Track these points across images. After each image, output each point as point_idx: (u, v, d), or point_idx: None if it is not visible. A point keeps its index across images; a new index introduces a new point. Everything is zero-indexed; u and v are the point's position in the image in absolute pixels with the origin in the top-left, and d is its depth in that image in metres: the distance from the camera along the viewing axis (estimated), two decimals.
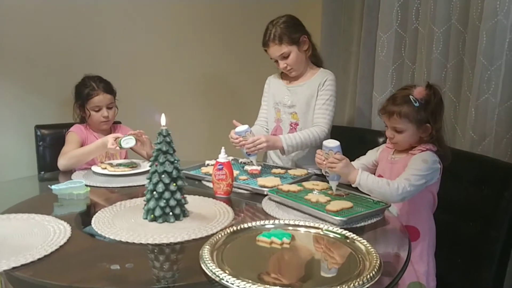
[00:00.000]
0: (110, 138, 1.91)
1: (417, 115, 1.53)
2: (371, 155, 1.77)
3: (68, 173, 1.91)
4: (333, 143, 1.52)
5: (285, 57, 2.00)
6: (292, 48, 1.99)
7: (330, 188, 1.58)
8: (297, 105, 2.07)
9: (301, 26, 2.05)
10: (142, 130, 2.02)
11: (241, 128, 1.85)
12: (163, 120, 1.36)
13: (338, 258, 1.15)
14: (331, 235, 1.23)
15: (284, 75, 2.13)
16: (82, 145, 2.08)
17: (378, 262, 1.05)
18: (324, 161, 1.54)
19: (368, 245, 1.14)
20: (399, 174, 1.53)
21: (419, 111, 1.53)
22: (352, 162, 1.65)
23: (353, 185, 1.52)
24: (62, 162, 1.96)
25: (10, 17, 2.25)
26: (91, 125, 2.16)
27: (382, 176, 1.63)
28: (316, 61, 2.13)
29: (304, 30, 2.05)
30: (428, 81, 1.63)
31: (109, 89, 2.15)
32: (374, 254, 1.09)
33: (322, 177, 1.82)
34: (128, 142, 1.90)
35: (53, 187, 1.58)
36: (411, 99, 1.53)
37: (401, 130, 1.57)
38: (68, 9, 2.40)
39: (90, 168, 1.93)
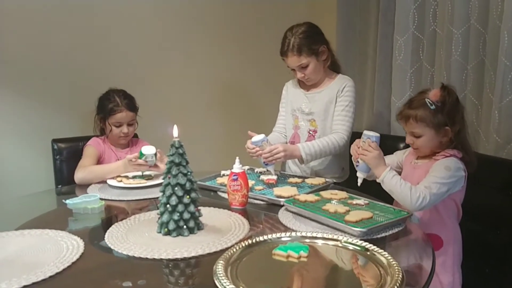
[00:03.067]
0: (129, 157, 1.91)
1: (434, 118, 1.49)
2: (398, 156, 1.73)
3: (84, 187, 1.90)
4: (373, 133, 1.51)
5: (303, 67, 1.95)
6: (311, 59, 1.93)
7: (350, 198, 1.53)
8: (315, 112, 2.03)
9: (321, 36, 1.99)
10: (159, 143, 2.00)
11: (258, 137, 1.81)
12: (175, 131, 1.34)
13: (357, 271, 1.10)
14: (351, 247, 1.19)
15: (301, 82, 2.09)
16: (99, 159, 2.09)
17: (400, 276, 1.00)
18: (359, 148, 1.51)
19: (389, 257, 1.09)
20: (420, 180, 1.48)
21: (435, 114, 1.48)
22: None
23: (377, 180, 1.48)
24: (80, 175, 1.95)
25: (26, 33, 2.27)
26: (110, 138, 2.16)
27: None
28: (334, 67, 2.08)
29: (324, 39, 1.99)
30: (443, 82, 1.57)
31: (132, 106, 2.14)
32: (396, 267, 1.04)
33: (340, 186, 1.78)
34: (149, 157, 1.89)
35: (67, 201, 1.57)
36: (427, 102, 1.49)
37: (419, 135, 1.53)
38: (84, 25, 2.42)
39: (106, 182, 1.92)
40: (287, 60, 1.97)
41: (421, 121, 1.49)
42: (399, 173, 1.68)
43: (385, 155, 1.74)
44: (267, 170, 1.89)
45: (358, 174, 1.53)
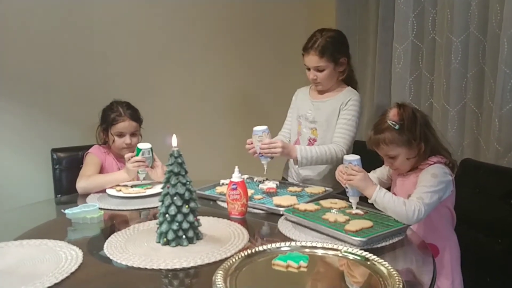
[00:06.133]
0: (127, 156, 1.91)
1: (402, 136, 1.51)
2: (387, 169, 1.72)
3: (83, 196, 1.89)
4: (353, 157, 1.52)
5: (319, 70, 1.95)
6: (329, 64, 1.93)
7: (350, 207, 1.53)
8: (318, 121, 2.02)
9: (346, 47, 2.00)
10: (162, 155, 2.00)
11: (260, 127, 1.83)
12: (174, 141, 1.34)
13: (357, 282, 1.10)
14: (351, 257, 1.18)
15: (311, 90, 2.09)
16: (101, 167, 2.07)
17: (401, 286, 0.99)
18: (344, 174, 1.51)
19: (389, 267, 1.08)
20: (409, 190, 1.49)
21: (402, 133, 1.51)
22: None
23: (369, 201, 1.48)
24: (82, 184, 1.93)
25: (26, 43, 2.27)
26: (112, 149, 2.15)
27: (394, 192, 1.58)
28: (349, 82, 2.06)
29: (347, 52, 2.00)
30: (397, 102, 1.59)
31: (135, 116, 2.13)
32: (397, 277, 1.03)
33: (340, 195, 1.77)
34: (145, 152, 1.89)
35: (66, 211, 1.56)
36: (390, 123, 1.51)
37: (394, 156, 1.54)
38: (85, 34, 2.42)
39: (105, 191, 1.91)
40: (307, 58, 1.96)
41: (391, 143, 1.51)
42: (390, 185, 1.69)
43: (380, 165, 1.74)
44: (264, 179, 1.88)
45: (351, 199, 1.53)
